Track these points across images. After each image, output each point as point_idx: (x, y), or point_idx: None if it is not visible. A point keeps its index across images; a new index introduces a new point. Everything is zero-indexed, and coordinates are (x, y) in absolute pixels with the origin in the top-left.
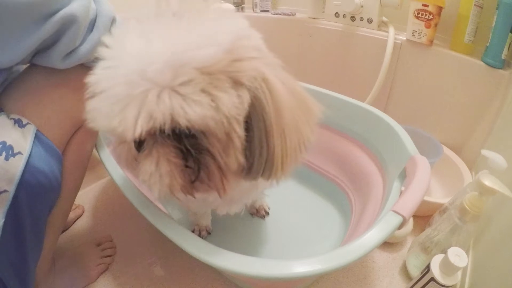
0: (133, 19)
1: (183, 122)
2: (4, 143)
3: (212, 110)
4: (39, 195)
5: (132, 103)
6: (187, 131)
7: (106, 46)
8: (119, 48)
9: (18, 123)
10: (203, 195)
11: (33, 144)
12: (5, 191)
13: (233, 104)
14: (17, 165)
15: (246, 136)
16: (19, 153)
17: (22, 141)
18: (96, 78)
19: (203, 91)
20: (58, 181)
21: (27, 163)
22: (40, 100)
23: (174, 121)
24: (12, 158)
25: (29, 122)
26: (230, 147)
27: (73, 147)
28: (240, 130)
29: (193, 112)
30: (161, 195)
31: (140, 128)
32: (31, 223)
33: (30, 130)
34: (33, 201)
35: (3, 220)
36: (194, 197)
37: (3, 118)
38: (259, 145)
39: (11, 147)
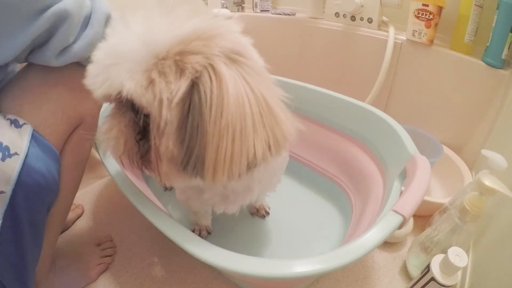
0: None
1: (124, 94)
2: (0, 144)
3: (143, 88)
4: (36, 195)
5: (104, 71)
6: (138, 108)
7: (112, 28)
8: (112, 30)
9: (15, 123)
10: (150, 173)
11: (30, 145)
12: (2, 192)
13: (167, 89)
14: (14, 166)
15: (185, 127)
16: (16, 153)
17: (18, 141)
18: (97, 48)
19: (145, 71)
20: (56, 181)
21: (24, 163)
22: (37, 100)
23: (121, 92)
24: (8, 159)
25: (26, 122)
26: (163, 131)
27: (71, 147)
28: (168, 115)
29: (129, 87)
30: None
31: (101, 91)
32: (29, 224)
33: (27, 130)
34: (31, 202)
35: (1, 221)
36: (142, 171)
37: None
38: (189, 137)
39: (7, 148)
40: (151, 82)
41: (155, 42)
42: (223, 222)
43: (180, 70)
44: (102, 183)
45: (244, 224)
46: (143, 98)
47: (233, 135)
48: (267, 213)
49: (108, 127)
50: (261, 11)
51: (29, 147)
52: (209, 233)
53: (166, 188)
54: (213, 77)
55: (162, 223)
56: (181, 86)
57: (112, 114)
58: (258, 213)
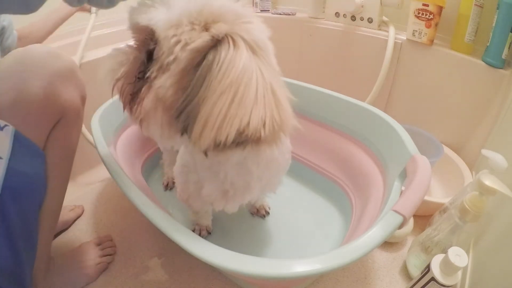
0: None
1: (151, 24)
2: None
3: (169, 25)
4: (25, 197)
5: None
6: (152, 44)
7: None
8: None
9: None
10: (132, 115)
11: (12, 146)
12: None
13: (188, 33)
14: None
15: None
16: None
17: (0, 145)
18: None
19: (179, 15)
20: (42, 179)
21: (8, 167)
22: (14, 98)
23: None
24: None
25: (7, 124)
26: (167, 68)
27: (55, 142)
28: (179, 54)
29: (158, 19)
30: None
31: (133, 20)
32: (21, 225)
33: (9, 132)
34: (20, 204)
35: None
36: (124, 109)
37: None
38: (192, 86)
39: None
40: (179, 24)
41: (206, 3)
42: (223, 222)
43: (205, 26)
44: (102, 183)
45: (244, 224)
46: (163, 33)
47: (233, 96)
48: (267, 213)
49: (117, 52)
50: (261, 10)
51: (12, 150)
52: (209, 233)
53: (166, 188)
54: (232, 47)
55: (162, 223)
56: (202, 37)
57: (127, 45)
58: (258, 213)
